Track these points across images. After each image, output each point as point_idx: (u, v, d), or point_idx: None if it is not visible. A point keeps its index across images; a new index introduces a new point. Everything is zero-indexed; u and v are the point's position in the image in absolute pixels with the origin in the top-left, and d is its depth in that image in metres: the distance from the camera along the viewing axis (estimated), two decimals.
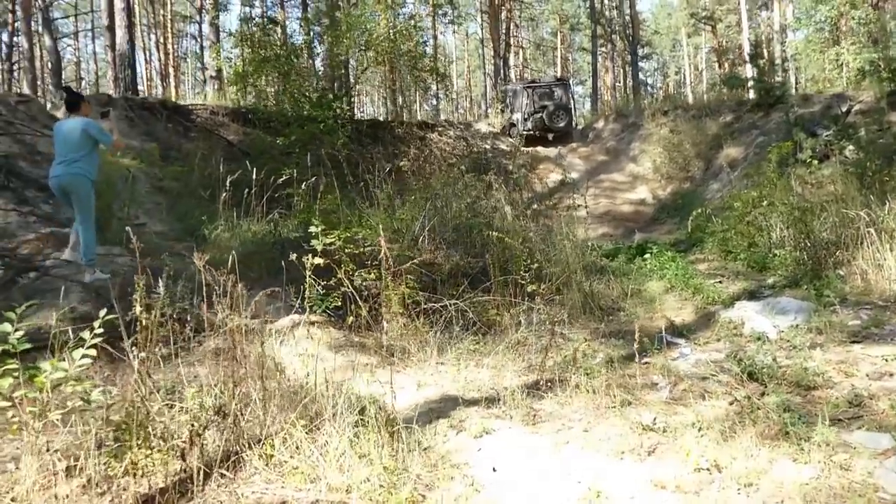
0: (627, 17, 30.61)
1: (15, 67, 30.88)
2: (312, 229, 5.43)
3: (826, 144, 10.87)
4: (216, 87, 14.69)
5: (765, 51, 29.14)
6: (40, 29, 28.08)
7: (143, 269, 3.61)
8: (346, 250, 5.30)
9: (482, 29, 34.22)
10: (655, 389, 4.21)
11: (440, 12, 46.42)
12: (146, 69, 41.80)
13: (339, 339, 5.20)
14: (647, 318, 6.01)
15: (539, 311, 5.19)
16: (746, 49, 28.05)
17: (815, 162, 9.89)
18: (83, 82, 44.09)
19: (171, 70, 37.65)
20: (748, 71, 18.61)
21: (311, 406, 3.19)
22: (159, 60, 38.28)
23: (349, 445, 2.95)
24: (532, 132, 17.33)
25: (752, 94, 15.27)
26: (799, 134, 10.72)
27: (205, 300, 4.14)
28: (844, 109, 11.57)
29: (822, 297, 5.52)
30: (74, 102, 6.31)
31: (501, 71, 25.73)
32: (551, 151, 16.69)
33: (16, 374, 2.94)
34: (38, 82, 32.32)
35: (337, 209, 7.10)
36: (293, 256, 4.32)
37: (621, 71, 42.79)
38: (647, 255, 8.13)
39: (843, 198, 7.56)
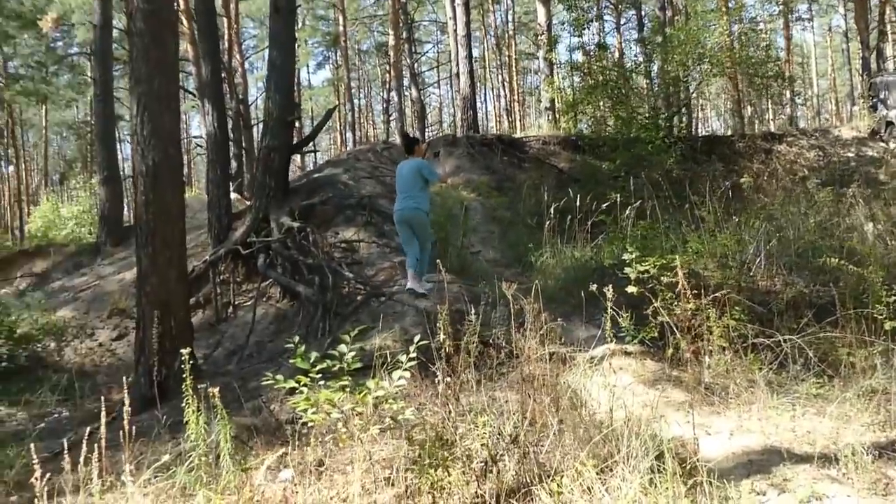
0: None
1: (391, 119, 36.36)
2: (626, 256, 5.27)
3: None
4: (549, 118, 15.29)
5: None
6: (407, 83, 32.71)
7: (456, 298, 3.83)
8: (663, 278, 5.01)
9: (845, 20, 29.90)
10: None
11: (793, 8, 42.10)
12: (494, 107, 45.65)
13: (654, 373, 4.91)
14: None
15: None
16: None
17: None
18: (443, 125, 49.72)
19: (515, 106, 40.43)
20: None
21: (603, 444, 3.04)
22: (505, 97, 41.34)
23: (642, 494, 2.73)
24: None
25: None
26: None
27: (513, 327, 4.28)
28: None
29: None
30: (409, 145, 7.20)
31: (873, 65, 22.14)
32: None
33: (348, 390, 3.37)
34: (408, 129, 37.50)
35: (656, 234, 6.78)
36: (594, 286, 4.17)
37: None
38: None
39: None
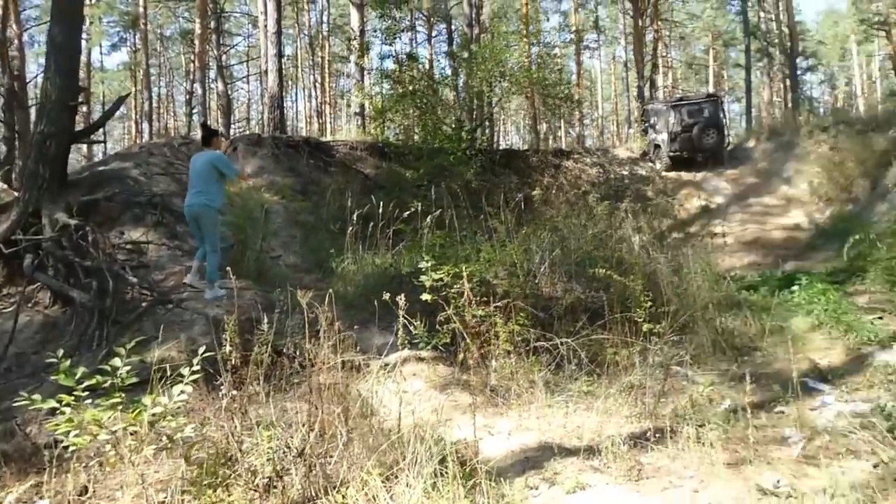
0: (785, 29, 28.54)
1: (194, 111, 34.39)
2: (422, 265, 5.44)
3: None
4: (358, 123, 15.36)
5: None
6: (214, 76, 31.14)
7: (250, 305, 3.71)
8: (455, 286, 5.24)
9: (625, 51, 33.31)
10: (786, 445, 3.74)
11: (583, 37, 46.07)
12: (305, 108, 44.87)
13: (445, 378, 5.12)
14: (786, 359, 5.37)
15: (657, 352, 4.80)
16: None
17: None
18: (251, 122, 47.90)
19: (326, 108, 40.06)
20: None
21: (390, 452, 3.11)
22: (316, 99, 40.83)
23: (425, 498, 2.84)
24: (679, 153, 16.40)
25: None
26: None
27: (307, 336, 4.23)
28: None
29: None
30: (207, 137, 6.87)
31: (647, 93, 24.86)
32: (695, 175, 15.77)
33: (121, 407, 3.12)
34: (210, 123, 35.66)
35: (452, 243, 7.07)
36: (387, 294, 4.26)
37: (781, 86, 39.97)
38: (794, 287, 7.35)
39: None
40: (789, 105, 30.79)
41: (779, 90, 40.35)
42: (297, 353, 4.65)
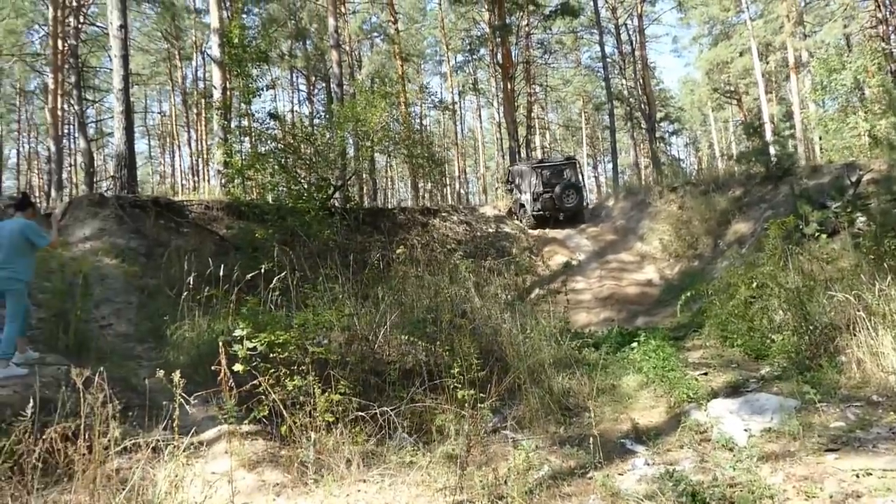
0: (644, 96, 30.70)
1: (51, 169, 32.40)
2: (237, 332, 5.11)
3: (835, 216, 10.28)
4: (222, 181, 14.85)
5: (791, 122, 28.72)
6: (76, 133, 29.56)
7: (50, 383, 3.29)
8: (272, 354, 4.95)
9: (498, 113, 34.65)
10: None
11: (464, 98, 47.69)
12: (179, 165, 43.46)
13: (260, 454, 4.76)
14: (612, 419, 5.44)
15: (475, 419, 4.67)
16: (768, 122, 27.76)
17: (824, 236, 9.31)
18: (122, 179, 45.62)
19: (202, 166, 38.90)
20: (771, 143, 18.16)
21: None
22: (190, 157, 39.67)
23: None
24: (542, 213, 17.02)
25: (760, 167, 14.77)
26: (804, 207, 10.16)
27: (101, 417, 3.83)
28: (854, 179, 10.99)
29: (804, 392, 4.90)
30: (21, 204, 6.33)
31: (520, 153, 25.76)
32: (559, 233, 16.30)
33: None
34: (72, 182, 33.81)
35: (274, 307, 6.78)
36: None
37: (646, 148, 42.73)
38: (634, 344, 7.54)
39: (849, 275, 6.99)
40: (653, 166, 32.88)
41: (647, 151, 43.07)
42: (87, 437, 4.19)
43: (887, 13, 23.89)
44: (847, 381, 5.38)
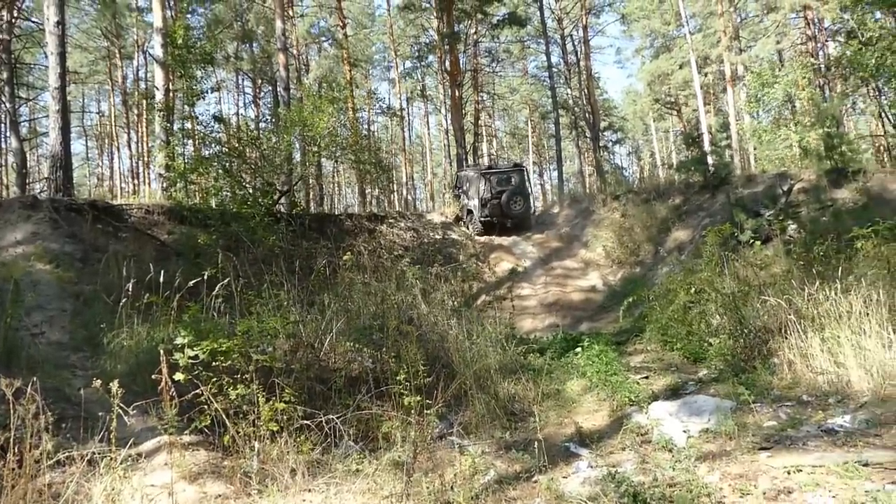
0: (589, 106, 31.33)
1: None
2: (179, 340, 5.00)
3: (769, 224, 10.70)
4: (164, 185, 14.49)
5: (727, 133, 29.73)
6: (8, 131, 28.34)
7: None
8: (215, 363, 4.86)
9: (445, 120, 34.84)
10: None
11: (413, 105, 47.80)
12: (119, 168, 42.25)
13: (202, 465, 4.66)
14: (557, 423, 5.52)
15: (420, 425, 4.68)
16: (706, 133, 28.63)
17: (758, 243, 9.66)
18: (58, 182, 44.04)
19: (143, 168, 37.88)
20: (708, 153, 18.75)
21: None
22: (130, 159, 38.59)
23: None
24: (489, 219, 17.14)
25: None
26: (739, 215, 10.55)
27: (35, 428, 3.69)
28: (786, 188, 11.46)
29: (739, 394, 5.07)
30: None
31: (467, 160, 25.90)
32: (505, 240, 16.46)
33: None
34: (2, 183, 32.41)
35: (216, 315, 6.65)
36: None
37: (590, 156, 43.56)
38: (578, 349, 7.68)
39: (781, 280, 7.27)
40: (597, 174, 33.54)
41: (591, 160, 43.89)
42: (17, 451, 4.03)
43: (816, 31, 25.05)
44: (779, 382, 5.60)
